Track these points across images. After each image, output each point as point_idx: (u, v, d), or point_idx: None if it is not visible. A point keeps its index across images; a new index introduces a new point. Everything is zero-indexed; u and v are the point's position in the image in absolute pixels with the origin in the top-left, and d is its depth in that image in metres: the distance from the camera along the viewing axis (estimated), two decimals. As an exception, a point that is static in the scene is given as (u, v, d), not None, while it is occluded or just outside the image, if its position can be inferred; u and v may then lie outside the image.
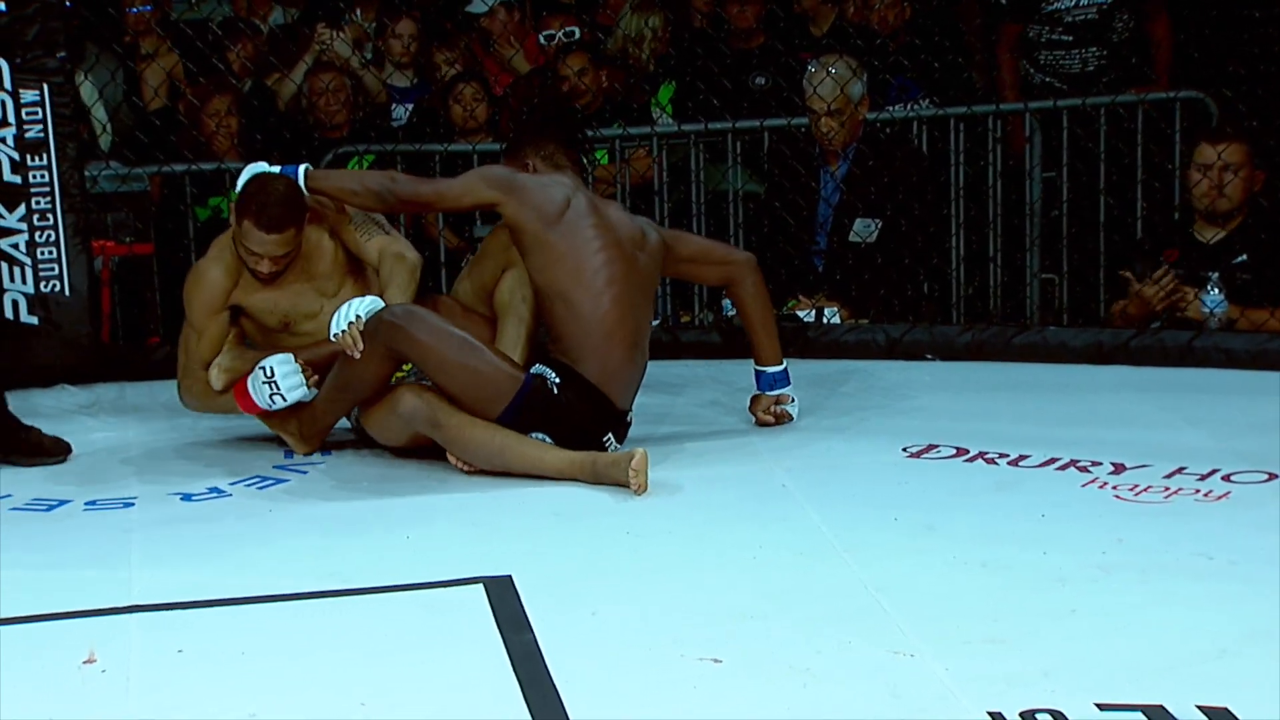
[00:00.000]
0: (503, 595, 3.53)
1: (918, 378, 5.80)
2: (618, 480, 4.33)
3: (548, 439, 4.55)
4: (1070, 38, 6.77)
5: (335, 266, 4.95)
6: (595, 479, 4.39)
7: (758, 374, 5.05)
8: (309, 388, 4.76)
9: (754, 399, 5.05)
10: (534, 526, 4.13)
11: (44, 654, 3.29)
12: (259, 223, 4.73)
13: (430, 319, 4.57)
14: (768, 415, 5.02)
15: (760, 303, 5.04)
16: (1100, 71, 6.75)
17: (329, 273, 4.95)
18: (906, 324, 6.26)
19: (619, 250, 4.70)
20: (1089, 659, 3.10)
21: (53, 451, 3.98)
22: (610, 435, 4.65)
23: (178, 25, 7.67)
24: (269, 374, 4.73)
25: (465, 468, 4.58)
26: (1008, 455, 4.58)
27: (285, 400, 4.76)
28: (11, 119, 5.85)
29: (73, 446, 4.63)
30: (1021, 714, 2.86)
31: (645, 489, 4.29)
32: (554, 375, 4.58)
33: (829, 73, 6.29)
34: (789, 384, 5.05)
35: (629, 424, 4.72)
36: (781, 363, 5.05)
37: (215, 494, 4.54)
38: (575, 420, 4.57)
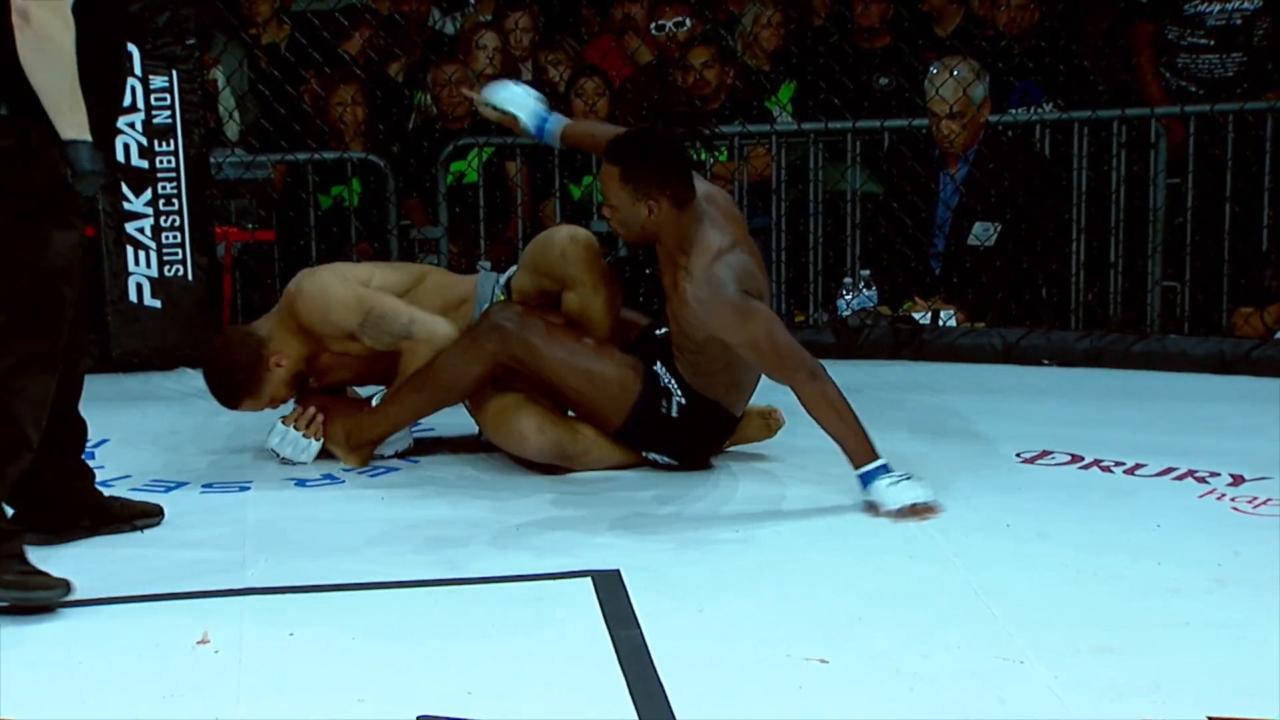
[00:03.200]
0: (610, 590, 3.54)
1: (1033, 383, 5.76)
2: (750, 438, 4.65)
3: (666, 458, 4.57)
4: (1211, 42, 6.67)
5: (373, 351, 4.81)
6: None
7: None
8: (313, 439, 4.76)
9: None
10: (643, 523, 4.13)
11: (159, 633, 3.33)
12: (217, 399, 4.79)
13: (544, 324, 4.54)
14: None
15: None
16: (1238, 78, 6.65)
17: (372, 352, 4.79)
18: (1023, 329, 6.21)
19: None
20: (1200, 671, 3.06)
21: (151, 512, 4.02)
22: (725, 441, 4.69)
23: (304, 14, 7.74)
24: (277, 456, 4.78)
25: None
26: (1123, 463, 4.53)
27: (307, 458, 4.76)
28: (140, 104, 5.94)
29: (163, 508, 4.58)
30: (1130, 725, 2.84)
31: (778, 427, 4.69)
32: (678, 394, 4.50)
33: (952, 74, 6.26)
34: None
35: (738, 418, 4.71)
36: None
37: (329, 480, 4.58)
38: (695, 445, 4.59)
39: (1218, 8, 6.64)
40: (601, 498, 4.35)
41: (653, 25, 7.72)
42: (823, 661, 3.13)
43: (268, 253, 6.80)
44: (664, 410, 4.51)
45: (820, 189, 6.83)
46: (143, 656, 3.23)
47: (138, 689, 3.08)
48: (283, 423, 4.77)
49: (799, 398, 4.23)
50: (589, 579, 3.60)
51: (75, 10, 3.34)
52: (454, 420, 5.07)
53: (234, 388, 4.72)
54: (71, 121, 3.34)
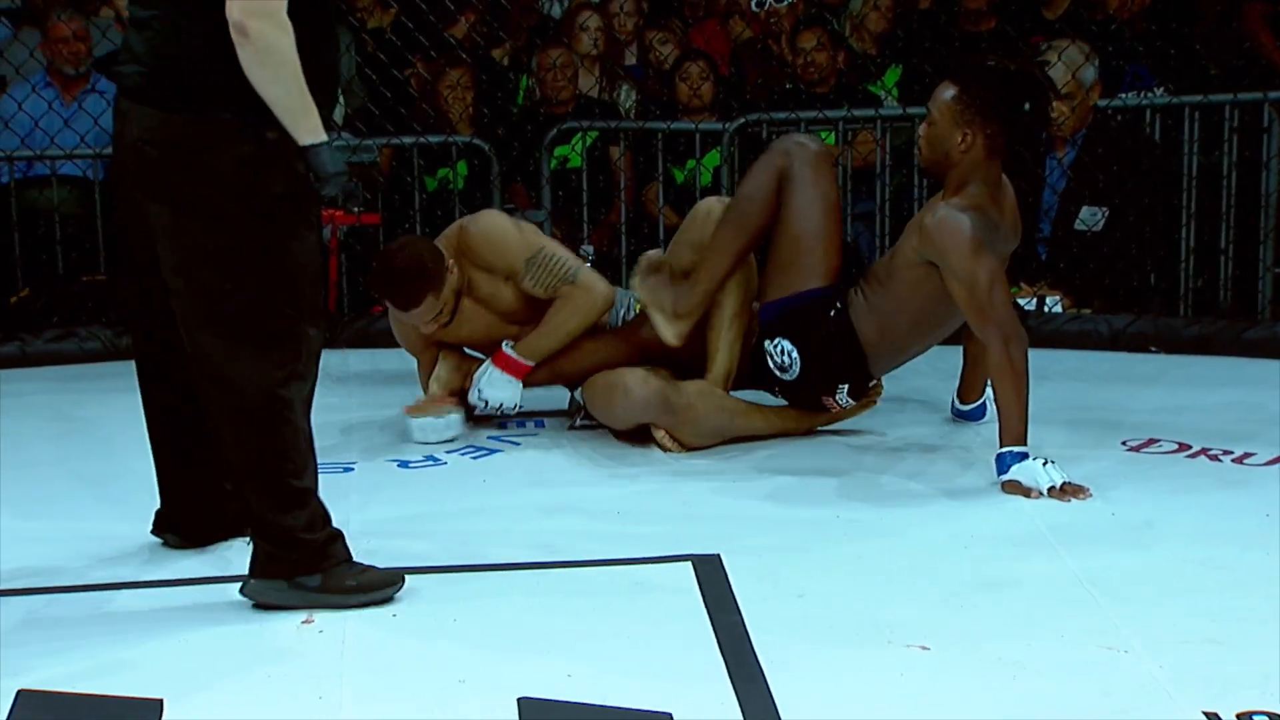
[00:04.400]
0: (711, 574, 3.54)
1: (1141, 370, 5.70)
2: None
3: (794, 351, 4.55)
4: None
5: (519, 304, 4.92)
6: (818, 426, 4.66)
7: None
8: (450, 414, 4.83)
9: None
10: (744, 507, 4.13)
11: (265, 612, 3.37)
12: (393, 303, 4.80)
13: (827, 172, 4.65)
14: None
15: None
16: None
17: (513, 309, 4.93)
18: (1131, 315, 6.14)
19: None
20: (1311, 664, 3.02)
21: None
22: (846, 386, 4.63)
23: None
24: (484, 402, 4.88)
25: (675, 448, 4.59)
26: (1232, 452, 4.47)
27: (453, 432, 4.83)
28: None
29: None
30: (1239, 716, 2.80)
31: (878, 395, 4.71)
32: (840, 305, 4.55)
33: (1060, 57, 6.19)
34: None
35: (871, 387, 4.71)
36: None
37: (431, 462, 4.61)
38: (822, 349, 4.57)
39: None
40: (701, 482, 4.34)
41: (754, 2, 7.69)
42: (924, 648, 3.12)
43: (373, 236, 6.84)
44: (824, 308, 4.53)
45: (924, 176, 6.77)
46: (250, 634, 3.27)
47: (245, 667, 3.11)
48: (412, 415, 4.81)
49: (989, 354, 4.24)
50: (689, 563, 3.60)
51: (298, 7, 3.28)
52: (553, 406, 5.10)
53: (422, 276, 4.70)
54: (306, 127, 3.29)
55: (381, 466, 4.57)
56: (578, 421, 4.93)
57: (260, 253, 3.33)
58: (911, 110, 6.79)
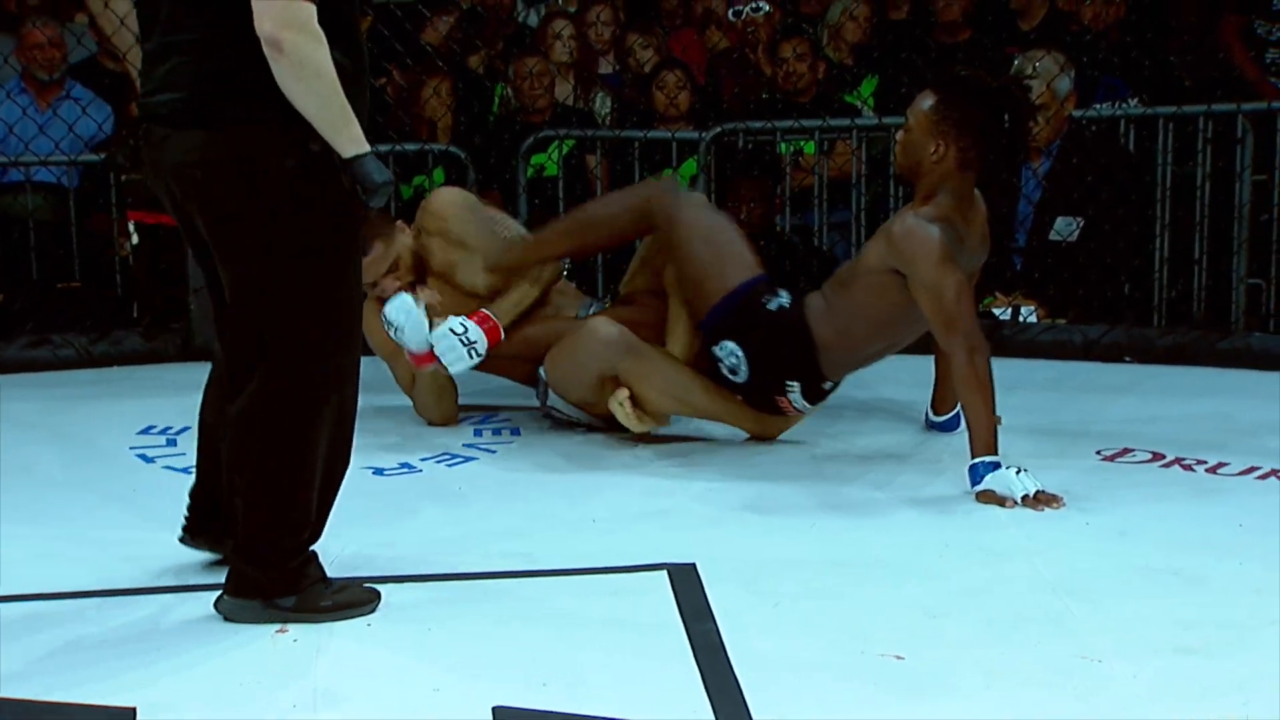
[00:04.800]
0: (686, 583, 3.54)
1: (1115, 380, 5.72)
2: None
3: (738, 349, 4.56)
4: None
5: (477, 278, 5.05)
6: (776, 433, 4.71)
7: None
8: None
9: None
10: (720, 516, 4.13)
11: (239, 622, 3.36)
12: None
13: (701, 202, 4.73)
14: None
15: None
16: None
17: (473, 284, 5.06)
18: (1105, 325, 6.16)
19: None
20: (1283, 673, 3.03)
21: None
22: (797, 384, 4.63)
23: (385, 6, 7.77)
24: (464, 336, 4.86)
25: (636, 418, 4.59)
26: (1205, 462, 4.49)
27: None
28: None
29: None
30: (1211, 725, 2.81)
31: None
32: (786, 301, 4.58)
33: (1035, 68, 6.21)
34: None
35: (826, 390, 4.71)
36: None
37: (406, 469, 4.61)
38: (769, 353, 4.59)
39: None
40: (677, 491, 4.34)
41: (730, 11, 7.71)
42: (899, 658, 3.12)
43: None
44: (764, 300, 4.56)
45: (900, 184, 6.79)
46: (223, 644, 3.26)
47: (219, 676, 3.10)
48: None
49: (954, 365, 4.26)
50: (664, 572, 3.60)
51: (328, 19, 3.23)
52: (531, 413, 5.10)
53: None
54: (348, 138, 3.24)
55: (356, 474, 4.51)
56: (547, 400, 4.98)
57: (309, 268, 3.29)
58: (888, 120, 6.82)
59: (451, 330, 4.79)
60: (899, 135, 4.48)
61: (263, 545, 3.36)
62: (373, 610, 3.41)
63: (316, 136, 3.23)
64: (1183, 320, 6.41)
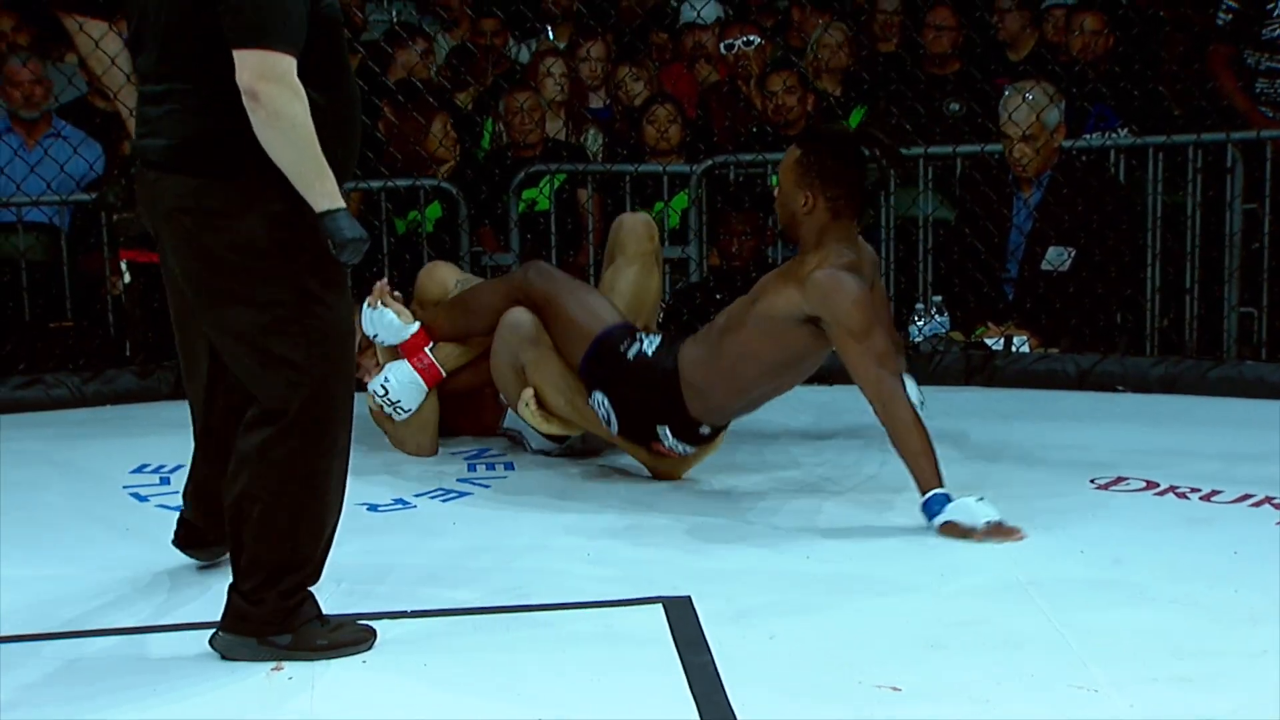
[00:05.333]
0: (681, 616, 3.53)
1: (1108, 409, 5.72)
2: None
3: (605, 399, 4.59)
4: None
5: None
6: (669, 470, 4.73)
7: None
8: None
9: None
10: (714, 550, 4.12)
11: (234, 660, 3.35)
12: None
13: (565, 277, 4.86)
14: None
15: None
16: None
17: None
18: (1098, 355, 6.16)
19: None
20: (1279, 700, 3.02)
21: None
22: (667, 428, 4.61)
23: (376, 44, 7.79)
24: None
25: (536, 414, 4.68)
26: (1200, 490, 4.49)
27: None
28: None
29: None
30: (1208, 754, 2.81)
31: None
32: (648, 347, 4.61)
33: (1025, 98, 6.23)
34: None
35: (704, 435, 4.67)
36: None
37: (400, 505, 4.60)
38: (627, 390, 4.61)
39: None
40: (671, 525, 4.34)
41: (721, 45, 7.73)
42: (895, 689, 3.12)
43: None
44: (622, 349, 4.59)
45: (892, 214, 6.81)
46: (217, 681, 3.25)
47: (215, 714, 3.10)
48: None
49: (878, 411, 4.24)
50: (660, 605, 3.60)
51: (316, 62, 3.29)
52: (521, 451, 5.10)
53: None
54: (321, 193, 3.26)
55: (351, 510, 4.50)
56: (503, 423, 5.16)
57: (292, 316, 3.32)
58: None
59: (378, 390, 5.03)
60: (776, 194, 4.58)
61: (263, 584, 3.36)
62: (368, 649, 3.40)
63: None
64: (1175, 349, 6.42)
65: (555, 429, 4.78)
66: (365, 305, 4.99)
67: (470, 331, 4.97)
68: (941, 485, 4.14)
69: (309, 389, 3.34)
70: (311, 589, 3.44)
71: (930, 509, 4.13)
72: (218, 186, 3.29)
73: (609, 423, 4.65)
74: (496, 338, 4.80)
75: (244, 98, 3.20)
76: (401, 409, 5.01)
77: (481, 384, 5.09)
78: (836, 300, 4.30)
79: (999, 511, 4.08)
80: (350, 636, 3.41)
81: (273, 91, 3.19)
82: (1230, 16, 6.70)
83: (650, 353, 4.61)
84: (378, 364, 5.14)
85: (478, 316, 4.93)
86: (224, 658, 3.36)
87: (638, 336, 4.66)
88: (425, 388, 5.01)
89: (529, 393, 4.71)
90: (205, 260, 3.33)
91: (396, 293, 5.09)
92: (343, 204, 3.29)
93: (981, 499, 4.11)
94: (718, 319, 4.65)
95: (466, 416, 5.27)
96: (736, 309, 4.57)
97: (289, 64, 3.21)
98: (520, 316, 4.75)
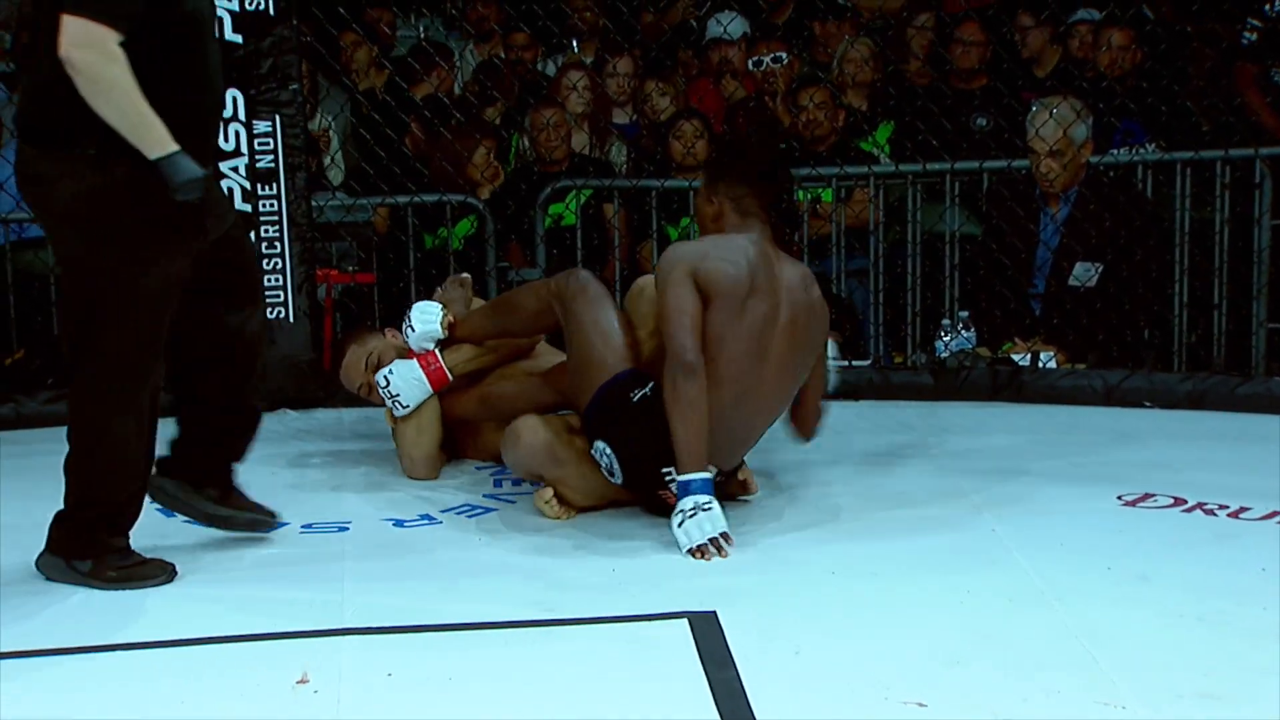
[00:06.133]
0: (707, 631, 3.53)
1: (1135, 425, 5.71)
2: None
3: (608, 449, 4.46)
4: None
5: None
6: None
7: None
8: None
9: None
10: (739, 563, 4.12)
11: (259, 673, 3.37)
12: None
13: (598, 296, 4.67)
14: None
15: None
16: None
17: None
18: (1125, 371, 6.15)
19: (786, 324, 4.46)
20: (1308, 719, 3.01)
21: (266, 513, 4.20)
22: (673, 469, 4.36)
23: (403, 60, 7.81)
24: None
25: (558, 512, 4.58)
26: (1228, 506, 4.48)
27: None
28: (244, 149, 6.01)
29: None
30: (1235, 772, 2.80)
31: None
32: (649, 391, 4.44)
33: (1052, 114, 6.23)
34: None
35: (715, 474, 4.44)
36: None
37: (426, 520, 4.60)
38: (626, 437, 4.46)
39: None
40: (698, 539, 4.33)
41: (750, 61, 7.74)
42: (920, 705, 3.11)
43: (367, 295, 6.85)
44: (630, 394, 4.47)
45: (918, 230, 6.81)
46: (244, 696, 3.26)
47: (237, 727, 3.11)
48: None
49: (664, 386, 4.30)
50: (685, 620, 3.60)
51: (149, 42, 3.57)
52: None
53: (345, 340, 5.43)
54: (151, 140, 3.56)
55: (377, 526, 4.56)
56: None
57: (104, 282, 3.67)
58: (905, 168, 6.84)
59: (380, 381, 5.06)
60: None
61: (68, 512, 3.88)
62: (164, 583, 3.82)
63: (126, 157, 3.57)
64: (1203, 365, 6.41)
65: (573, 515, 4.64)
66: (389, 367, 5.02)
67: (503, 330, 4.98)
68: (699, 469, 4.23)
69: (111, 347, 3.71)
70: (124, 526, 3.90)
71: (680, 489, 4.23)
72: (40, 156, 3.65)
73: (612, 473, 4.50)
74: (508, 444, 4.64)
75: (65, 67, 3.48)
76: (401, 403, 4.98)
77: (487, 417, 5.09)
78: (659, 271, 4.43)
79: (720, 525, 4.16)
80: (144, 572, 3.88)
81: (87, 57, 3.49)
82: (1255, 35, 6.69)
83: (652, 394, 4.43)
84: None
85: (514, 317, 4.93)
86: (40, 571, 3.89)
87: (643, 380, 4.49)
88: (430, 389, 4.99)
89: (548, 492, 4.59)
90: (45, 221, 3.77)
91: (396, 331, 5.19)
92: (176, 147, 3.56)
93: (708, 509, 4.18)
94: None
95: (473, 438, 5.24)
96: None
97: (106, 33, 3.50)
98: (530, 439, 4.56)
